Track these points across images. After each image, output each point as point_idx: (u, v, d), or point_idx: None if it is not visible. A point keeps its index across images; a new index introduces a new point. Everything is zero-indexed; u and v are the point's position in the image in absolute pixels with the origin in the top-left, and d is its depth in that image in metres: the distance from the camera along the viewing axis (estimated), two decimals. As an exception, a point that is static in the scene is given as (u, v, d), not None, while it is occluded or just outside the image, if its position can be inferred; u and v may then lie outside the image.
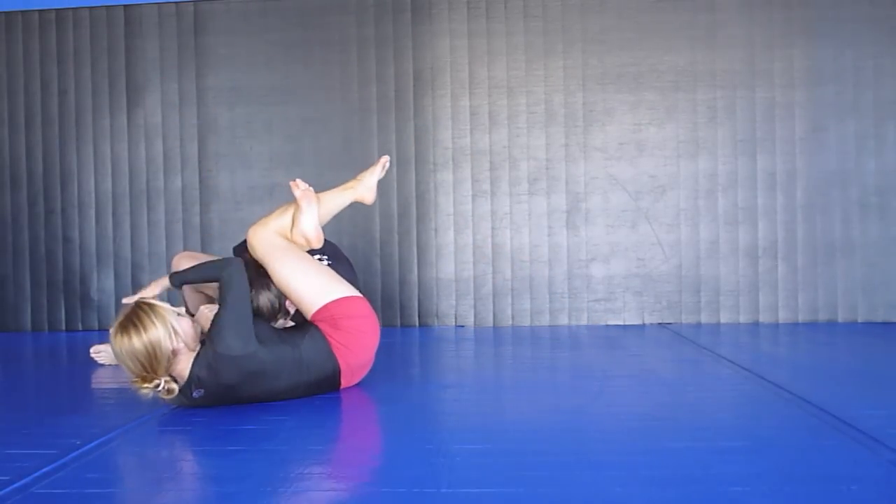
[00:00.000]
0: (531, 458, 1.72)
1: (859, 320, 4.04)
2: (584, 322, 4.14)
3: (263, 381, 2.12)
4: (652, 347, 3.38)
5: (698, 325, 4.04)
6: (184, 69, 4.33)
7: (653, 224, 4.13)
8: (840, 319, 4.05)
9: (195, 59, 4.33)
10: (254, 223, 2.45)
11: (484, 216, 4.18)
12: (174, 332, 1.99)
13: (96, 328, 4.37)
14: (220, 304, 2.11)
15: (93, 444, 1.81)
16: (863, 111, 4.05)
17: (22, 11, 4.41)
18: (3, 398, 2.60)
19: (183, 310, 2.11)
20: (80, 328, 4.38)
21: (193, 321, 2.14)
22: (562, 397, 2.37)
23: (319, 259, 2.62)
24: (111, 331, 2.00)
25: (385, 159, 2.68)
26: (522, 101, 4.18)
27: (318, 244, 2.46)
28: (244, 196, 4.29)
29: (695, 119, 4.12)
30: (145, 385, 1.97)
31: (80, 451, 1.76)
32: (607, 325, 4.11)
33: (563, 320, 4.14)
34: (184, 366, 2.04)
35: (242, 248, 2.63)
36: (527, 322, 4.14)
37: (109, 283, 4.36)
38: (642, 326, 4.06)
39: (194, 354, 2.07)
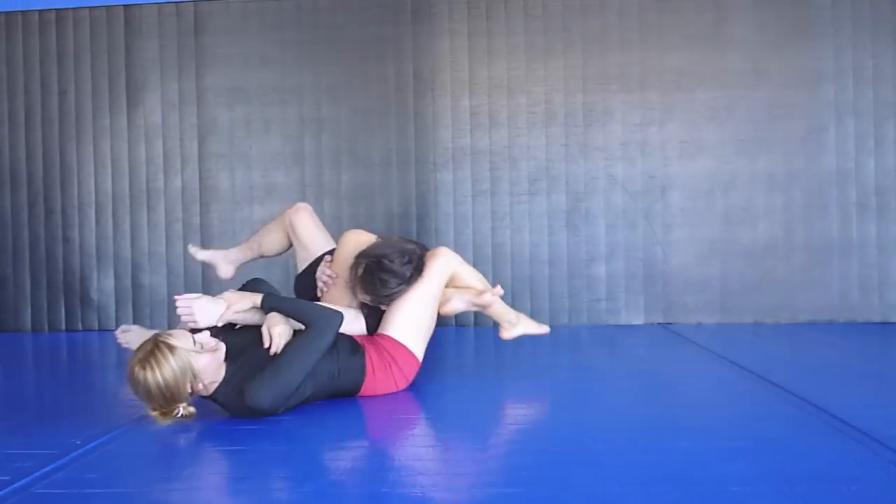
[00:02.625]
0: (531, 458, 1.72)
1: (859, 320, 4.04)
2: (584, 322, 4.14)
3: (289, 400, 2.08)
4: (652, 347, 3.38)
5: (698, 325, 4.04)
6: (183, 69, 4.33)
7: (653, 224, 4.13)
8: (840, 319, 4.05)
9: (195, 58, 4.33)
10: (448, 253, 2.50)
11: (484, 216, 4.18)
12: (192, 371, 1.92)
13: (96, 328, 4.37)
14: (289, 347, 2.06)
15: (93, 444, 1.81)
16: (863, 111, 4.05)
17: (22, 11, 4.41)
18: (3, 398, 2.60)
19: (202, 342, 1.96)
20: (80, 328, 4.38)
21: (212, 346, 1.99)
22: (562, 397, 2.37)
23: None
24: (130, 362, 1.90)
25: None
26: (522, 101, 4.17)
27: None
28: (244, 196, 4.29)
29: (695, 119, 4.11)
30: (164, 417, 1.91)
31: (80, 451, 1.76)
32: (607, 325, 4.11)
33: (563, 320, 4.14)
34: (209, 389, 2.01)
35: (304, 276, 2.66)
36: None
37: (109, 283, 4.36)
38: (642, 326, 4.06)
39: (219, 380, 2.02)
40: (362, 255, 2.39)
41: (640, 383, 2.55)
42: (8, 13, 4.42)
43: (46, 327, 4.40)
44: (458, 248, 4.15)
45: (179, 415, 1.91)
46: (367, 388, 2.28)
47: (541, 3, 4.17)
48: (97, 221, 4.39)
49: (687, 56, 4.11)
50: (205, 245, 4.28)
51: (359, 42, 4.23)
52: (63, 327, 4.39)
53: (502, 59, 4.18)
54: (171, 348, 1.89)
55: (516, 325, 2.67)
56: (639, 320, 4.13)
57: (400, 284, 2.33)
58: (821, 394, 2.21)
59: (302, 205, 2.80)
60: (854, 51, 4.04)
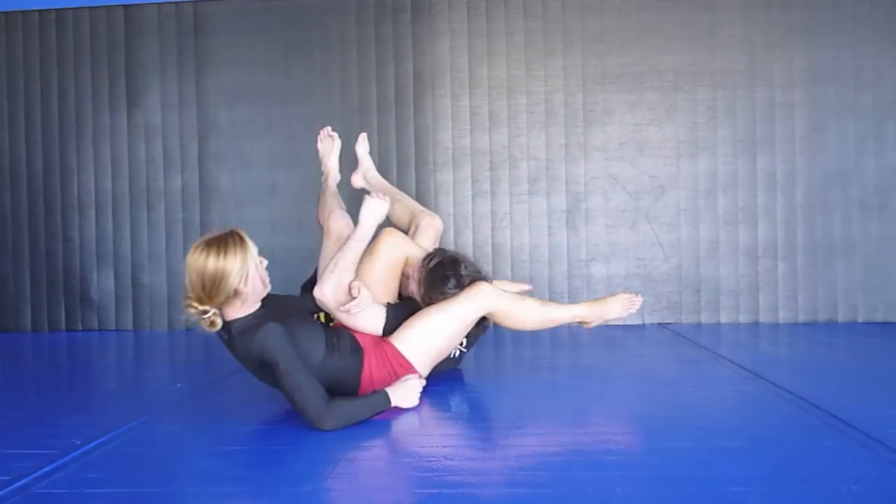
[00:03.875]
0: (531, 458, 1.72)
1: (859, 320, 4.04)
2: (584, 322, 4.13)
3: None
4: (652, 347, 3.38)
5: (698, 325, 4.04)
6: (184, 69, 4.33)
7: (653, 224, 4.13)
8: (840, 319, 4.05)
9: (195, 59, 4.33)
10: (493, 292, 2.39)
11: (484, 216, 4.18)
12: (247, 275, 1.94)
13: (96, 328, 4.37)
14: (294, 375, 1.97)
15: (93, 444, 1.81)
16: (863, 111, 4.05)
17: (22, 11, 4.41)
18: (3, 398, 2.60)
19: (266, 262, 2.02)
20: (80, 328, 4.38)
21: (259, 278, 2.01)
22: (562, 397, 2.37)
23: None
24: (195, 244, 1.96)
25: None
26: (522, 101, 4.18)
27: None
28: (244, 196, 4.29)
29: (695, 119, 4.11)
30: (195, 306, 1.91)
31: (80, 451, 1.76)
32: (607, 325, 4.11)
33: (563, 320, 4.14)
34: (234, 314, 2.00)
35: (310, 285, 2.61)
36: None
37: (109, 283, 4.36)
38: (642, 326, 4.06)
39: (250, 311, 2.01)
40: (441, 251, 2.48)
41: (640, 383, 2.55)
42: (8, 13, 4.42)
43: (46, 327, 4.40)
44: (458, 249, 4.16)
45: (207, 316, 1.91)
46: (365, 380, 2.26)
47: (541, 3, 4.17)
48: (97, 221, 4.39)
49: (686, 56, 4.11)
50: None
51: (359, 42, 4.23)
52: (63, 327, 4.39)
53: (502, 59, 4.18)
54: (242, 241, 1.96)
55: (589, 321, 2.53)
56: (638, 320, 4.13)
57: (452, 290, 2.36)
58: (821, 394, 2.21)
59: (437, 223, 2.82)
60: (854, 51, 4.04)
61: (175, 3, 4.32)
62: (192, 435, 1.97)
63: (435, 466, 1.63)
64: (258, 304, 2.04)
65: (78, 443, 1.82)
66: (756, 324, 4.05)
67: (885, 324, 3.98)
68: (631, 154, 4.14)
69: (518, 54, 4.18)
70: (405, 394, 2.19)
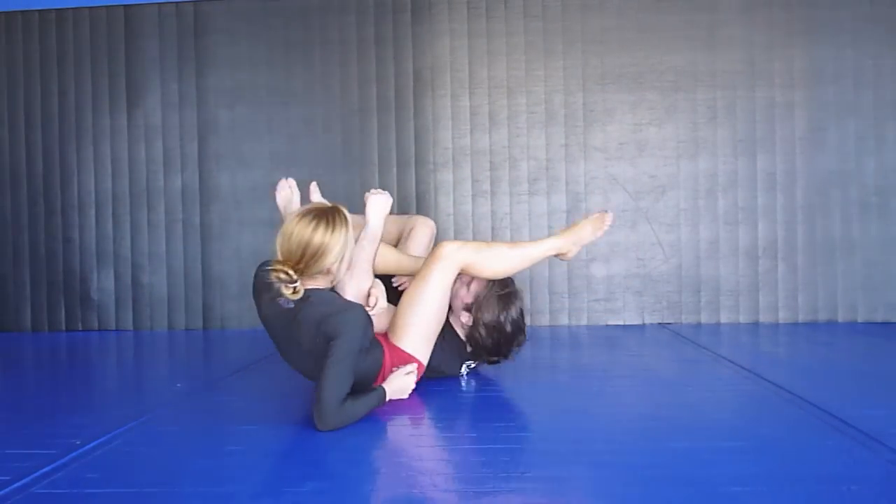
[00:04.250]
0: (531, 457, 1.72)
1: (859, 320, 4.04)
2: (584, 322, 4.14)
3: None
4: (652, 347, 3.38)
5: (698, 325, 4.04)
6: (184, 69, 4.33)
7: (653, 224, 4.13)
8: (840, 319, 4.05)
9: (195, 59, 4.33)
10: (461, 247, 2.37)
11: (484, 216, 4.18)
12: (342, 257, 1.98)
13: (96, 328, 4.37)
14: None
15: (93, 444, 1.81)
16: (863, 111, 4.05)
17: (22, 11, 4.41)
18: (3, 398, 2.60)
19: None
20: (80, 328, 4.38)
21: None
22: (562, 397, 2.37)
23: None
24: (301, 210, 1.99)
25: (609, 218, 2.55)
26: (522, 101, 4.18)
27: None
28: (244, 196, 4.29)
29: (695, 119, 4.11)
30: (285, 273, 1.91)
31: (80, 451, 1.76)
32: (607, 325, 4.11)
33: (563, 320, 4.14)
34: (314, 285, 2.01)
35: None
36: (527, 322, 4.13)
37: (109, 283, 4.36)
38: (642, 326, 4.06)
39: (323, 286, 2.04)
40: (513, 283, 2.45)
41: (640, 383, 2.55)
42: (8, 13, 4.42)
43: (46, 327, 4.40)
44: (458, 248, 4.16)
45: (294, 287, 1.91)
46: (379, 381, 2.27)
47: (541, 3, 4.17)
48: (97, 221, 4.39)
49: (686, 56, 4.11)
50: (205, 245, 4.29)
51: (359, 42, 4.23)
52: (63, 327, 4.39)
53: (502, 59, 4.18)
54: (347, 222, 1.98)
55: (571, 248, 2.53)
56: (638, 320, 4.13)
57: (503, 323, 2.41)
58: (821, 394, 2.21)
59: (431, 223, 2.80)
60: (854, 51, 4.04)
61: (175, 2, 4.33)
62: (192, 435, 1.97)
63: (434, 466, 1.63)
64: (334, 287, 2.08)
65: (78, 443, 1.82)
66: (756, 324, 4.05)
67: (885, 324, 3.98)
68: (631, 154, 4.14)
69: (518, 54, 4.18)
70: (399, 386, 2.18)
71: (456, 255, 2.34)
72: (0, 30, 4.43)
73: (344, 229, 1.98)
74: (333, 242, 1.94)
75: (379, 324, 2.35)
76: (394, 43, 4.22)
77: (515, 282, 2.52)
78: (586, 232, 2.52)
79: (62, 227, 4.40)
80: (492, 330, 2.42)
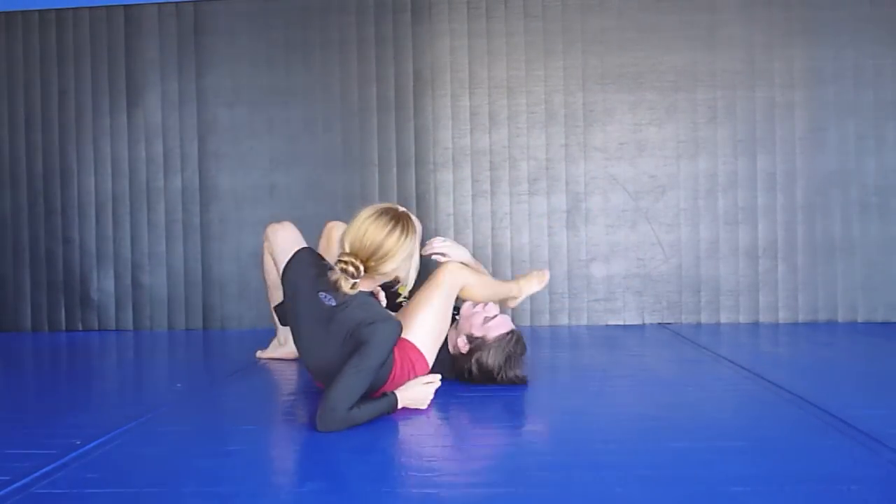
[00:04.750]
0: (531, 458, 1.72)
1: (859, 320, 4.04)
2: (584, 322, 4.14)
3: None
4: (652, 347, 3.38)
5: (698, 325, 4.04)
6: (184, 69, 4.33)
7: (653, 224, 4.13)
8: (840, 319, 4.05)
9: (195, 58, 4.33)
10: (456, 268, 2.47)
11: (484, 216, 4.18)
12: (406, 264, 2.04)
13: (96, 328, 4.37)
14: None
15: (93, 444, 1.81)
16: (863, 111, 4.05)
17: (22, 11, 4.41)
18: (3, 398, 2.60)
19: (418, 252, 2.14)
20: (80, 328, 4.38)
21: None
22: (562, 397, 2.37)
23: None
24: (374, 208, 2.02)
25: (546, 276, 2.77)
26: (522, 101, 4.18)
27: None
28: (244, 196, 4.29)
29: (695, 119, 4.11)
30: (354, 266, 1.94)
31: (80, 451, 1.76)
32: (607, 325, 4.11)
33: (563, 320, 4.14)
34: (363, 287, 2.05)
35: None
36: (527, 322, 4.14)
37: (109, 284, 4.36)
38: (642, 326, 4.06)
39: (375, 288, 2.14)
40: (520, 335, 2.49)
41: (640, 383, 2.55)
42: (8, 13, 4.42)
43: (46, 327, 4.40)
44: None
45: (353, 283, 1.95)
46: (388, 384, 2.27)
47: (541, 3, 4.17)
48: (97, 221, 4.39)
49: (686, 56, 4.11)
50: (205, 245, 4.29)
51: (359, 42, 4.23)
52: (63, 327, 4.39)
53: (502, 59, 4.18)
54: (416, 231, 2.06)
55: (517, 297, 2.73)
56: (638, 320, 4.13)
57: (503, 367, 2.43)
58: (821, 394, 2.21)
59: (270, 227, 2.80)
60: (854, 51, 4.04)
61: (175, 2, 4.32)
62: (192, 435, 1.97)
63: (434, 467, 1.63)
64: (382, 295, 2.19)
65: (78, 443, 1.82)
66: (756, 324, 4.05)
67: (885, 324, 3.98)
68: (631, 154, 4.14)
69: (518, 54, 4.18)
70: (418, 395, 2.13)
71: (460, 278, 2.44)
72: (0, 30, 4.43)
73: (413, 236, 2.04)
74: (402, 250, 1.99)
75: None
76: (394, 43, 4.22)
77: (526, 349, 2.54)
78: (533, 284, 2.76)
79: (62, 227, 4.40)
80: (483, 372, 2.44)
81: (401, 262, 2.01)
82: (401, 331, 2.01)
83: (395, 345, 2.00)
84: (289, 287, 2.13)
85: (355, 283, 1.96)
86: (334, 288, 1.98)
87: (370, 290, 2.12)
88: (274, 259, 2.79)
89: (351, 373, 1.90)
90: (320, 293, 2.03)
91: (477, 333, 2.44)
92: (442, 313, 2.38)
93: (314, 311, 2.05)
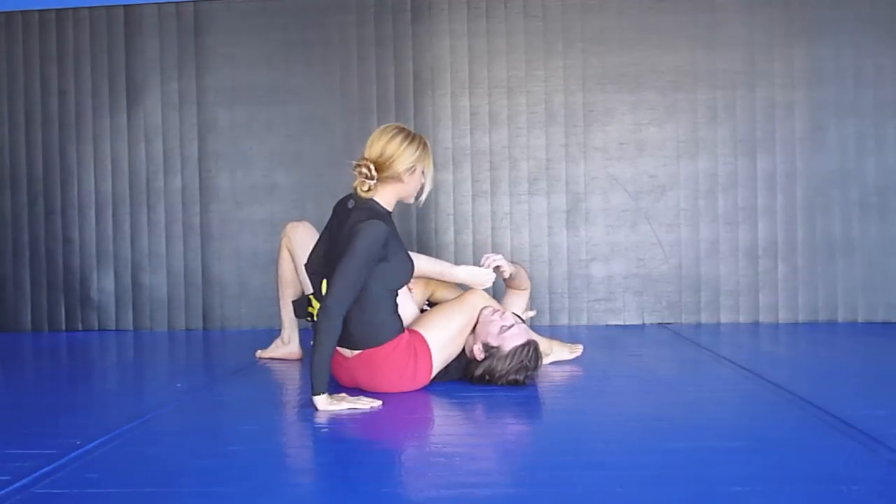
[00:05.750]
0: (531, 458, 1.72)
1: (859, 320, 4.04)
2: (584, 322, 4.14)
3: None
4: (652, 347, 3.38)
5: (698, 325, 4.04)
6: (184, 69, 4.33)
7: (653, 224, 4.13)
8: (840, 319, 4.05)
9: (195, 58, 4.33)
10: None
11: (484, 216, 4.18)
12: (414, 171, 2.28)
13: (96, 328, 4.37)
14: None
15: (93, 444, 1.81)
16: (863, 111, 4.05)
17: (22, 11, 4.41)
18: (3, 398, 2.60)
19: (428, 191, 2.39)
20: (80, 328, 4.38)
21: None
22: (562, 397, 2.37)
23: None
24: (390, 125, 2.33)
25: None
26: (522, 101, 4.18)
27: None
28: (244, 196, 4.29)
29: (695, 119, 4.11)
30: (367, 167, 2.25)
31: (80, 451, 1.76)
32: (607, 325, 4.11)
33: (563, 320, 4.14)
34: (379, 195, 2.29)
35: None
36: (527, 322, 4.13)
37: (109, 283, 4.36)
38: (642, 326, 4.06)
39: (389, 199, 2.31)
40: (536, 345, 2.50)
41: (640, 383, 2.55)
42: (8, 13, 4.42)
43: (46, 327, 4.40)
44: (458, 249, 4.17)
45: (368, 184, 2.24)
46: (376, 359, 2.29)
47: (541, 3, 4.17)
48: (97, 221, 4.39)
49: (686, 56, 4.11)
50: (205, 245, 4.29)
51: (359, 42, 4.23)
52: (63, 327, 4.39)
53: (502, 59, 4.18)
54: (426, 147, 2.31)
55: (549, 354, 2.81)
56: (638, 320, 4.13)
57: (514, 374, 2.44)
58: (821, 394, 2.22)
59: (290, 225, 3.00)
60: (854, 51, 4.04)
61: (175, 2, 4.32)
62: (192, 435, 1.97)
63: (435, 466, 1.63)
64: (389, 207, 2.33)
65: (78, 443, 1.82)
66: (756, 324, 4.05)
67: (885, 324, 3.98)
68: (631, 154, 4.14)
69: (518, 54, 4.18)
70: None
71: (483, 303, 2.51)
72: (0, 29, 4.43)
73: (418, 146, 2.29)
74: (407, 152, 2.25)
75: (406, 311, 2.45)
76: (394, 43, 4.22)
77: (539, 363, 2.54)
78: (565, 352, 2.95)
79: (62, 227, 4.40)
80: (490, 376, 2.44)
81: (408, 167, 2.26)
82: (383, 227, 2.18)
83: (381, 245, 2.18)
84: (327, 227, 2.40)
85: (371, 186, 2.25)
86: (355, 192, 2.29)
87: (389, 205, 2.31)
88: (292, 255, 2.89)
89: (337, 274, 2.13)
90: (349, 201, 2.33)
91: (493, 343, 2.43)
92: (458, 330, 2.43)
93: (338, 216, 2.34)
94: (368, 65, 4.23)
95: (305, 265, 2.85)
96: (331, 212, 2.45)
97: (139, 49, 4.35)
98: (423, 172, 2.32)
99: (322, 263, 2.38)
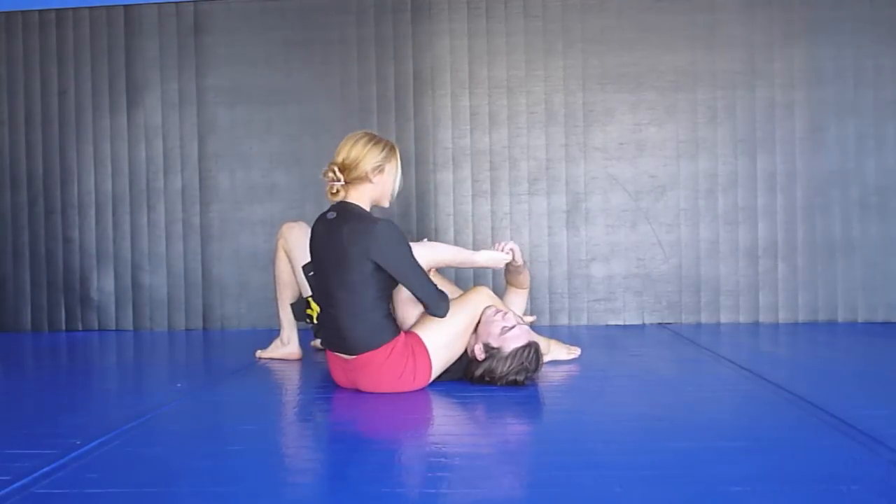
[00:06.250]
0: (531, 458, 1.72)
1: (859, 320, 4.04)
2: (584, 322, 4.14)
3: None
4: (652, 347, 3.38)
5: (698, 325, 4.04)
6: (184, 69, 4.33)
7: (653, 224, 4.13)
8: (840, 319, 4.05)
9: (195, 58, 4.33)
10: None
11: (484, 216, 4.18)
12: (382, 171, 2.35)
13: (96, 328, 4.37)
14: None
15: (93, 444, 1.81)
16: (863, 111, 4.05)
17: (22, 11, 4.41)
18: (4, 398, 2.60)
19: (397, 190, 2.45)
20: (80, 328, 4.38)
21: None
22: (562, 397, 2.37)
23: None
24: (363, 132, 2.41)
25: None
26: (522, 101, 4.18)
27: None
28: (244, 196, 4.29)
29: (695, 119, 4.12)
30: (333, 172, 2.32)
31: (80, 451, 1.76)
32: (607, 325, 4.11)
33: (563, 320, 4.14)
34: (355, 198, 2.35)
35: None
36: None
37: (109, 283, 4.36)
38: (642, 326, 4.06)
39: (365, 203, 2.36)
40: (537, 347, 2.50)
41: (640, 383, 2.55)
42: (8, 13, 4.42)
43: (46, 327, 4.40)
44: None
45: (336, 187, 2.32)
46: (374, 363, 2.29)
47: (541, 3, 4.17)
48: (97, 221, 4.39)
49: (686, 56, 4.11)
50: (205, 245, 4.29)
51: (358, 42, 4.23)
52: (63, 327, 4.39)
53: (502, 59, 4.18)
54: (393, 150, 2.39)
55: (547, 353, 2.78)
56: (638, 320, 4.13)
57: (515, 374, 2.43)
58: (821, 394, 2.22)
59: (286, 226, 3.06)
60: (854, 51, 4.04)
61: (175, 2, 4.32)
62: (192, 435, 1.97)
63: (435, 466, 1.63)
64: (372, 210, 2.39)
65: (78, 443, 1.82)
66: (756, 324, 4.05)
67: (885, 324, 3.98)
68: (631, 154, 4.14)
69: (518, 54, 4.18)
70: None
71: (487, 299, 2.53)
72: (0, 29, 4.43)
73: (384, 147, 2.36)
74: (371, 154, 2.33)
75: (410, 312, 2.46)
76: (394, 43, 4.22)
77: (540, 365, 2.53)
78: (562, 351, 2.95)
79: (62, 227, 4.40)
80: (490, 377, 2.44)
81: (375, 166, 2.33)
82: (393, 224, 2.27)
83: (399, 231, 2.27)
84: (312, 243, 2.42)
85: (338, 187, 2.32)
86: (328, 197, 2.35)
87: (363, 204, 2.36)
88: (289, 255, 2.90)
89: (409, 271, 2.27)
90: (327, 213, 2.36)
91: (494, 344, 2.42)
92: (461, 330, 2.43)
93: (323, 230, 2.35)
94: (368, 65, 4.23)
95: (304, 267, 2.86)
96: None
97: (139, 49, 4.35)
98: (391, 175, 2.39)
99: (321, 281, 2.38)
